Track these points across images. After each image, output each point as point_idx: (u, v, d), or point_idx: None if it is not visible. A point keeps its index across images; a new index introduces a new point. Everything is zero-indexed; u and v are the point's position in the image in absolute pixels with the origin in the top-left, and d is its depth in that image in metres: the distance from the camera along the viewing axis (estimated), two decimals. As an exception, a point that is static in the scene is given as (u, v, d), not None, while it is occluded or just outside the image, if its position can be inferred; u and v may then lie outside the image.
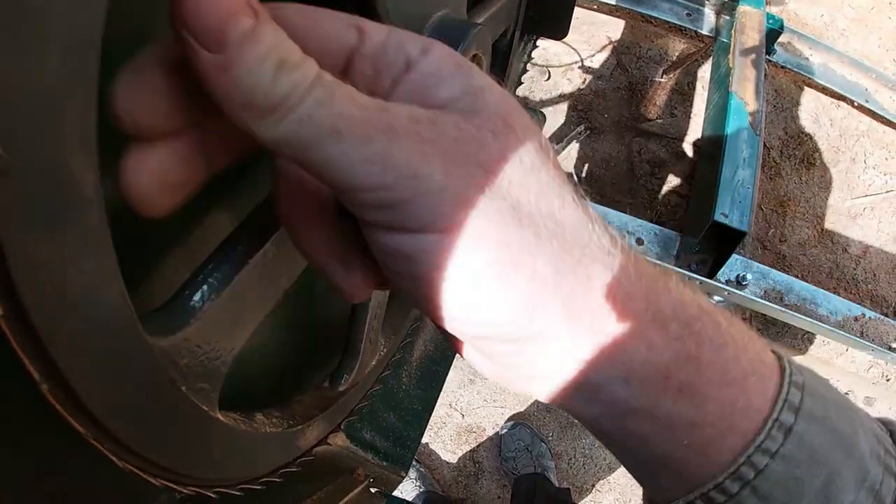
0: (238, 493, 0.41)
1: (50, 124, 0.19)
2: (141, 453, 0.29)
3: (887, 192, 2.28)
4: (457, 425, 1.88)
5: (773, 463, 0.27)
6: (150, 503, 0.37)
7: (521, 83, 1.08)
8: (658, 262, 1.58)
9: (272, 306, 0.36)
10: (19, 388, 0.23)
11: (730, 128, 1.67)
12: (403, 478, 0.81)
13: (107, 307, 0.24)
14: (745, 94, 1.74)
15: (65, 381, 0.23)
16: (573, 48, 2.25)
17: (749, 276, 1.63)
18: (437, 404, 0.88)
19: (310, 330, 0.63)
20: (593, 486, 1.88)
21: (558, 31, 0.90)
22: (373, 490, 0.72)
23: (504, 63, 0.84)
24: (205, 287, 0.31)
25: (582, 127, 2.16)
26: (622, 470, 1.90)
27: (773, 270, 1.67)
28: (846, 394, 2.04)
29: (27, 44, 0.17)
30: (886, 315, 1.74)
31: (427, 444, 1.82)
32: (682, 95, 2.24)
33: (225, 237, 0.34)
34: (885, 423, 0.31)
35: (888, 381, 1.98)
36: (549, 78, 2.22)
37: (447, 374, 0.86)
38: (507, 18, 0.78)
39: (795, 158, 2.25)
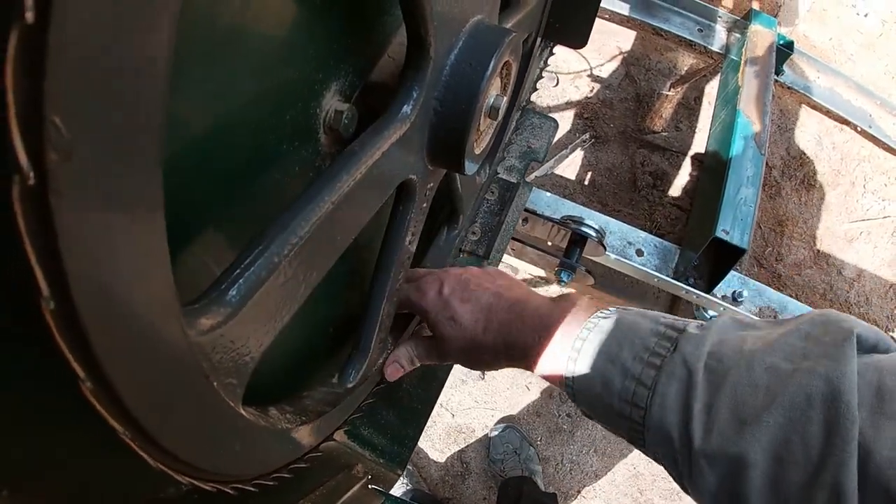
0: (252, 489, 0.41)
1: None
2: (171, 450, 0.29)
3: (884, 217, 2.29)
4: (447, 425, 1.88)
5: (575, 379, 0.50)
6: (159, 493, 0.37)
7: (536, 89, 1.08)
8: (657, 273, 1.58)
9: (303, 301, 0.36)
10: (58, 385, 0.23)
11: (735, 145, 1.68)
12: (400, 476, 0.81)
13: (154, 303, 0.24)
14: (752, 113, 1.75)
15: (106, 379, 0.23)
16: (583, 56, 2.25)
17: (745, 293, 1.64)
18: (430, 404, 0.87)
19: (321, 326, 0.63)
20: (579, 492, 1.89)
21: (578, 40, 0.90)
22: (372, 487, 0.72)
23: (524, 68, 0.84)
24: (241, 282, 0.31)
25: (587, 135, 2.16)
26: (608, 477, 1.91)
27: (769, 289, 1.68)
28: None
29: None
30: (878, 339, 1.75)
31: (416, 442, 1.82)
32: (689, 110, 2.25)
33: (259, 231, 0.34)
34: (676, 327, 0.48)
35: (876, 404, 1.99)
36: (557, 84, 2.22)
37: (448, 375, 0.86)
38: (531, 25, 0.78)
39: (796, 179, 2.26)
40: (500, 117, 0.51)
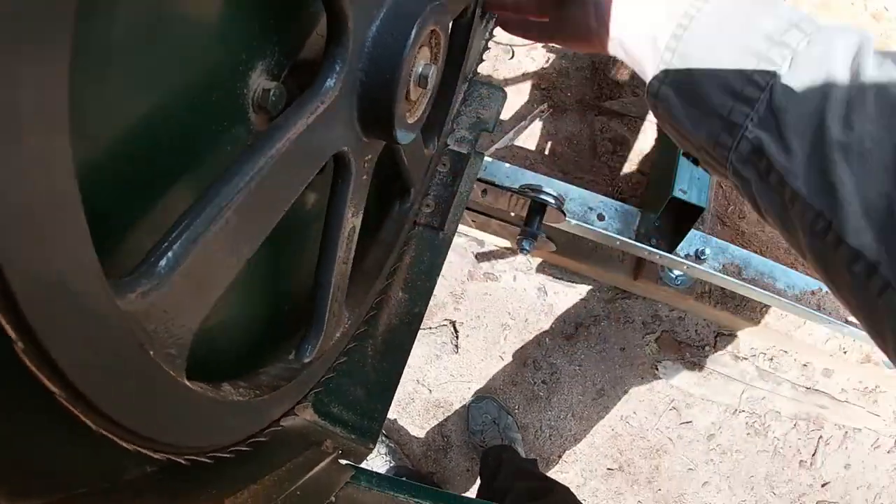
0: (207, 461, 0.43)
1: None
2: (111, 415, 0.30)
3: (840, 168, 2.34)
4: (424, 401, 1.91)
5: (706, 4, 0.47)
6: (121, 474, 0.38)
7: (482, 60, 1.09)
8: (619, 236, 1.61)
9: (235, 274, 0.38)
10: None
11: (689, 106, 1.71)
12: (371, 450, 0.82)
13: (79, 269, 0.25)
14: (705, 73, 1.78)
15: (38, 341, 0.24)
16: (536, 27, 2.26)
17: (708, 251, 1.68)
18: (405, 380, 0.89)
19: (274, 303, 0.64)
20: (560, 456, 1.93)
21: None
22: (342, 462, 0.73)
23: (465, 40, 0.85)
24: (170, 254, 0.32)
25: (545, 105, 2.18)
26: (587, 440, 1.96)
27: (732, 245, 1.72)
28: (804, 366, 2.12)
29: None
30: (841, 289, 1.80)
31: (395, 419, 1.85)
32: (644, 74, 2.28)
33: (187, 207, 0.35)
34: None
35: (845, 353, 2.05)
36: (512, 56, 2.23)
37: (412, 347, 0.88)
38: (467, -4, 0.79)
39: (753, 136, 2.30)
40: (430, 86, 0.53)
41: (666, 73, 0.47)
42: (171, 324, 0.33)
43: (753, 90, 0.42)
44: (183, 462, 0.40)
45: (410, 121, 0.53)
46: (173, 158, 0.40)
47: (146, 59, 0.35)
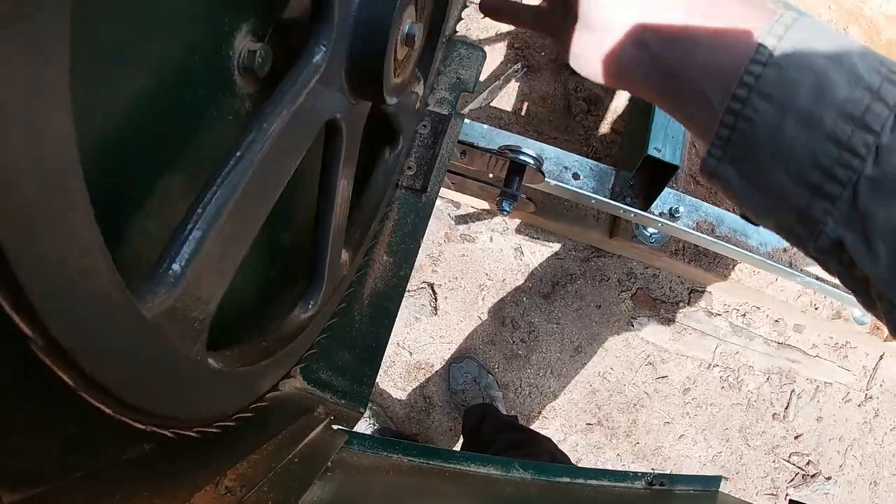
0: (216, 430, 0.42)
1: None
2: (139, 405, 0.30)
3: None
4: (406, 363, 1.92)
5: (766, 70, 0.36)
6: (121, 454, 0.38)
7: (461, 19, 1.07)
8: (594, 195, 1.62)
9: (249, 245, 0.37)
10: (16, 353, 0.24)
11: (664, 64, 1.70)
12: (362, 414, 0.83)
13: (98, 282, 0.24)
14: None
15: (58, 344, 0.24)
16: (508, -16, 2.22)
17: (681, 209, 1.69)
18: (385, 343, 0.90)
19: (273, 260, 0.64)
20: (539, 413, 1.97)
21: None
22: (335, 427, 0.74)
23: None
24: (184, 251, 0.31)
25: (519, 65, 2.16)
26: (566, 397, 1.99)
27: (705, 203, 1.74)
28: (776, 321, 2.17)
29: None
30: (812, 246, 1.83)
31: (378, 382, 1.86)
32: (616, 31, 2.26)
33: (193, 200, 0.34)
34: None
35: (816, 309, 2.10)
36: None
37: (398, 310, 0.88)
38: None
39: (724, 93, 2.31)
40: (416, 45, 0.51)
41: (724, 148, 0.39)
42: (197, 313, 0.32)
43: (834, 186, 0.35)
44: (193, 434, 0.39)
45: (397, 81, 0.52)
46: (163, 129, 0.39)
47: (126, 29, 0.33)
